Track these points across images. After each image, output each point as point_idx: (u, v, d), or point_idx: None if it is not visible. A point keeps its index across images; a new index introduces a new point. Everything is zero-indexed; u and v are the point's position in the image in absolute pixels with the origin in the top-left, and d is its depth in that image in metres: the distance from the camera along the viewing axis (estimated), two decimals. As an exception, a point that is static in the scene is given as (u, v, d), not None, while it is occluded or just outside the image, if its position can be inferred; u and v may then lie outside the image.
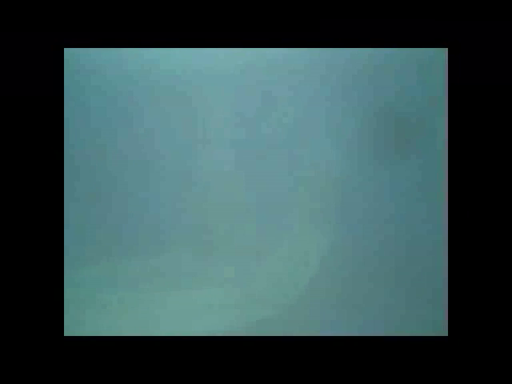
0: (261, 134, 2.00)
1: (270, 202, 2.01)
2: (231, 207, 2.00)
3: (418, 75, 2.00)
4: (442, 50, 1.85)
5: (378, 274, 2.00)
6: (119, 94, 1.98)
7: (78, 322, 1.91)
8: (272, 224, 2.02)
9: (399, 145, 2.01)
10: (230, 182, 1.99)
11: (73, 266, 1.91)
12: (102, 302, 1.93)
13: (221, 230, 2.00)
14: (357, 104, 2.01)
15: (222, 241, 1.99)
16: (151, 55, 1.96)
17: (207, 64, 1.98)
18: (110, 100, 1.98)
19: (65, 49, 1.84)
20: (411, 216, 2.01)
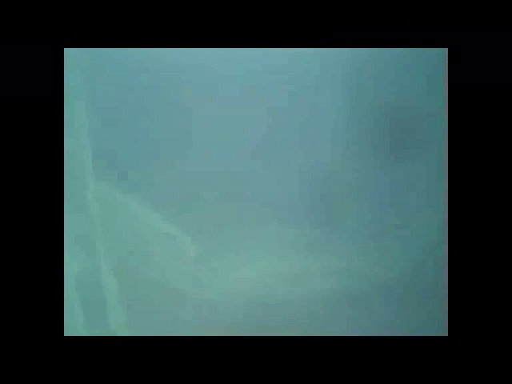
0: (258, 134, 2.00)
1: (267, 203, 2.01)
2: (235, 208, 2.00)
3: (418, 75, 2.00)
4: (442, 50, 1.85)
5: (378, 274, 2.00)
6: (119, 94, 1.98)
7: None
8: (270, 224, 2.02)
9: (398, 145, 2.01)
10: (228, 183, 2.00)
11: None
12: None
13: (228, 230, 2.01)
14: (356, 104, 2.01)
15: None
16: (152, 55, 1.96)
17: (208, 64, 1.98)
18: (110, 100, 1.98)
19: (65, 49, 1.84)
20: (411, 216, 2.01)
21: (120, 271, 1.95)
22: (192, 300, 1.95)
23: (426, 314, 1.97)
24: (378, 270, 2.00)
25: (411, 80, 2.00)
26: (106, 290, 1.93)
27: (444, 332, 1.71)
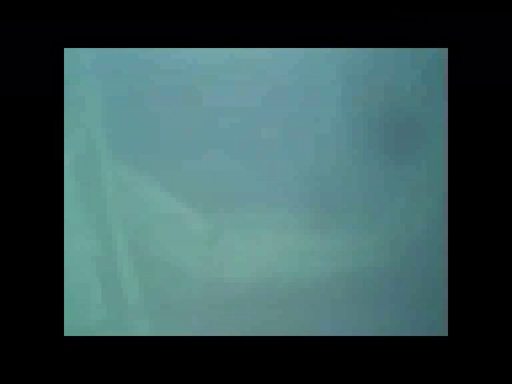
0: (258, 134, 2.01)
1: (266, 202, 2.01)
2: (233, 208, 2.01)
3: (418, 75, 2.00)
4: (442, 50, 1.85)
5: (378, 274, 2.00)
6: (119, 94, 1.98)
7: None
8: (268, 225, 2.02)
9: (398, 145, 2.01)
10: (226, 183, 2.00)
11: None
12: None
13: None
14: (355, 104, 2.01)
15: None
16: (152, 55, 1.97)
17: (208, 64, 1.98)
18: (110, 100, 1.98)
19: (65, 49, 1.84)
20: (411, 216, 2.01)
21: (133, 250, 1.98)
22: (201, 278, 1.99)
23: (425, 314, 1.97)
24: (377, 270, 2.00)
25: (411, 80, 2.00)
26: (120, 269, 1.97)
27: (444, 332, 1.71)
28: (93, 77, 1.98)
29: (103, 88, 1.98)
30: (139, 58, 1.97)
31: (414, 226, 2.00)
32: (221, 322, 1.96)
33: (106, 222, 1.98)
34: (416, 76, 2.00)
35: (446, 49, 1.73)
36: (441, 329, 1.84)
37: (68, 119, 1.93)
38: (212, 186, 1.99)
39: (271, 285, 1.99)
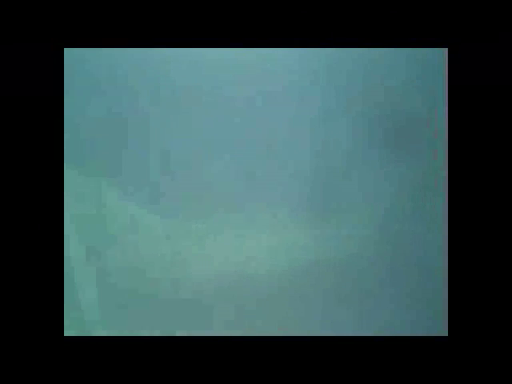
0: (258, 134, 2.01)
1: (264, 200, 2.01)
2: (229, 207, 2.01)
3: (418, 75, 2.00)
4: (442, 50, 1.85)
5: (378, 274, 2.00)
6: (119, 95, 1.98)
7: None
8: (267, 225, 2.02)
9: (398, 145, 2.01)
10: (226, 183, 2.00)
11: None
12: None
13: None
14: (355, 104, 2.01)
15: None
16: (151, 55, 1.97)
17: (209, 63, 1.98)
18: (110, 100, 1.98)
19: (65, 49, 1.84)
20: (411, 216, 2.01)
21: (94, 255, 1.99)
22: (201, 277, 1.99)
23: (425, 314, 1.97)
24: (378, 270, 2.00)
25: (411, 80, 2.00)
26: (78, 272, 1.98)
27: (444, 332, 1.71)
28: (92, 77, 1.98)
29: (103, 88, 1.98)
30: (138, 58, 1.97)
31: (414, 226, 2.00)
32: (220, 321, 1.96)
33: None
34: (416, 76, 2.00)
35: (446, 49, 1.73)
36: (441, 329, 1.84)
37: (67, 119, 1.93)
38: (212, 186, 1.99)
39: (271, 284, 1.99)
